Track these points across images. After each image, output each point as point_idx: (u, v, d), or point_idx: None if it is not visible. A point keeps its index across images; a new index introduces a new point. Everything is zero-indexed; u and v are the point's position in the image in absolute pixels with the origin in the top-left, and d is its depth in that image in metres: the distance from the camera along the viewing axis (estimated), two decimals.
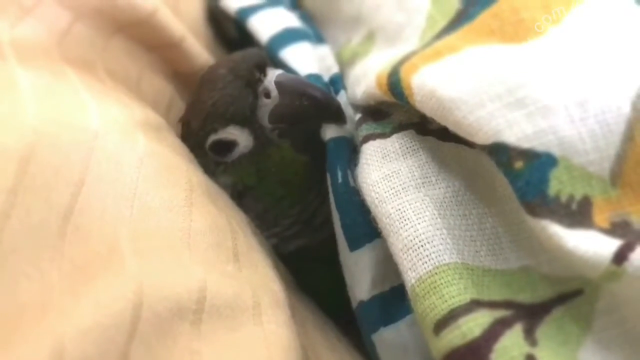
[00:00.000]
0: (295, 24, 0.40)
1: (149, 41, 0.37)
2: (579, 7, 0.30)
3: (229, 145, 0.34)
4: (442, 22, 0.32)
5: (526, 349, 0.24)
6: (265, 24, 0.40)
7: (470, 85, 0.26)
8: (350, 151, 0.33)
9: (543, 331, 0.25)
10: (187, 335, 0.23)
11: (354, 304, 0.33)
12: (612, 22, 0.30)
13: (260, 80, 0.34)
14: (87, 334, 0.20)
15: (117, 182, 0.26)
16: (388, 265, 0.30)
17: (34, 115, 0.25)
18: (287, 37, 0.39)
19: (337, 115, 0.34)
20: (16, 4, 0.31)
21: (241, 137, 0.34)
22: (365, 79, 0.34)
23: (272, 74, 0.34)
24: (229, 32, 0.46)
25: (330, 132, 0.34)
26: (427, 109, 0.28)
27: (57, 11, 0.32)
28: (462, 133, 0.27)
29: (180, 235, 0.27)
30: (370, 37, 0.37)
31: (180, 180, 0.29)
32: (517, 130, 0.25)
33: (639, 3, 0.32)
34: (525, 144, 0.24)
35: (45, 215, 0.22)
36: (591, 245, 0.23)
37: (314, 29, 0.41)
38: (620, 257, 0.22)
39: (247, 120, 0.34)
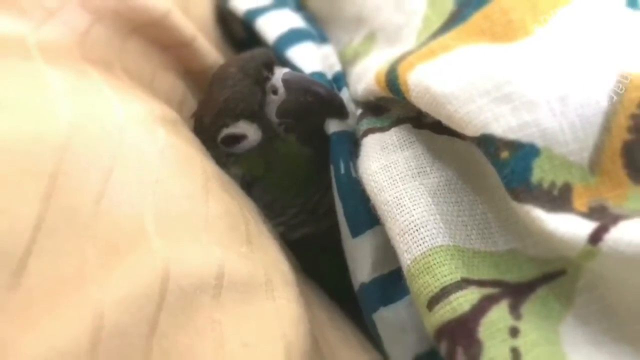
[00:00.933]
0: (300, 25, 0.42)
1: (163, 41, 0.40)
2: (565, 8, 0.32)
3: (239, 138, 0.37)
4: (437, 23, 0.35)
5: (511, 322, 0.26)
6: (272, 25, 0.42)
7: (461, 81, 0.28)
8: (352, 144, 0.36)
9: (527, 307, 0.27)
10: (208, 307, 0.26)
11: (356, 287, 0.35)
12: (596, 22, 0.32)
13: (268, 78, 0.36)
14: (122, 303, 0.23)
15: (141, 170, 0.28)
16: (387, 250, 0.32)
17: (66, 108, 0.27)
18: (293, 37, 0.41)
19: (339, 111, 0.36)
20: (41, 7, 0.33)
21: (250, 131, 0.36)
22: (365, 77, 0.36)
23: (279, 72, 0.36)
24: (237, 31, 0.48)
25: (333, 126, 0.36)
26: (422, 104, 0.30)
27: (78, 13, 0.34)
28: (454, 126, 0.29)
29: (199, 219, 0.29)
30: (371, 37, 0.39)
31: (196, 170, 0.32)
32: (503, 123, 0.27)
33: (631, 5, 0.34)
34: (510, 136, 0.27)
35: (81, 199, 0.25)
36: (570, 227, 0.25)
37: (318, 29, 0.43)
38: (595, 237, 0.24)
39: (256, 115, 0.36)
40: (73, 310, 0.22)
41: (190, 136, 0.36)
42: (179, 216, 0.28)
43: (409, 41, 0.36)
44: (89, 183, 0.25)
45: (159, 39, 0.39)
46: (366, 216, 0.33)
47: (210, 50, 0.43)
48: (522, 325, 0.26)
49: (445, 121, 0.29)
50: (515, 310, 0.26)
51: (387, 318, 0.33)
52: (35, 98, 0.27)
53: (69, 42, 0.33)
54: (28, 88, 0.27)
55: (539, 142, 0.26)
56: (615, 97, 0.27)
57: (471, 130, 0.28)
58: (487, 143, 0.27)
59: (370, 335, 0.35)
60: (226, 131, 0.36)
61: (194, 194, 0.30)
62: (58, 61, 0.31)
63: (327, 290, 0.40)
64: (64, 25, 0.34)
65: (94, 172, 0.26)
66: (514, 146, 0.27)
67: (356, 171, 0.34)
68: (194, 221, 0.29)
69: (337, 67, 0.40)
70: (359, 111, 0.36)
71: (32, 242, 0.22)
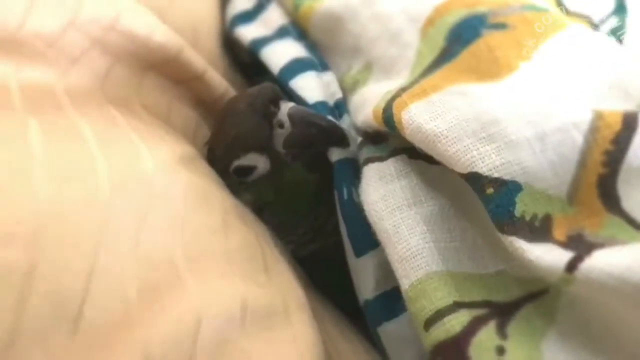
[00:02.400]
0: (302, 54, 0.45)
1: (176, 76, 0.42)
2: (548, 42, 0.35)
3: (250, 168, 0.40)
4: (429, 58, 0.37)
5: (497, 341, 0.29)
6: (276, 56, 0.45)
7: (450, 122, 0.31)
8: (354, 170, 0.38)
9: (513, 326, 0.29)
10: (236, 337, 0.29)
11: (361, 302, 0.38)
12: (576, 56, 0.34)
13: (274, 113, 0.39)
14: (165, 341, 0.26)
15: (170, 211, 0.31)
16: (389, 268, 0.35)
17: (103, 165, 0.30)
18: (296, 67, 0.44)
19: (341, 141, 0.39)
20: (65, 56, 0.35)
21: (259, 162, 0.39)
22: (363, 108, 0.38)
23: (285, 107, 0.39)
24: (243, 57, 0.51)
25: (335, 154, 0.39)
26: (416, 141, 0.33)
27: (98, 57, 0.37)
28: (444, 162, 0.31)
29: (221, 254, 0.32)
30: (368, 67, 0.42)
31: (215, 206, 0.34)
32: (488, 162, 0.30)
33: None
34: (495, 174, 0.29)
35: (122, 247, 0.28)
36: (549, 256, 0.27)
37: (319, 57, 0.45)
38: (571, 266, 0.27)
39: (264, 147, 0.39)
40: (125, 350, 0.25)
41: (208, 171, 0.38)
42: (204, 252, 0.31)
43: (402, 74, 0.38)
44: (128, 231, 0.28)
45: (173, 75, 0.42)
46: (369, 238, 0.36)
47: (220, 81, 0.45)
48: (508, 345, 0.29)
49: (436, 157, 0.32)
50: (501, 330, 0.29)
51: (390, 332, 0.36)
52: (76, 158, 0.30)
53: (91, 85, 0.36)
54: (68, 147, 0.30)
55: (520, 179, 0.29)
56: (590, 135, 0.29)
57: (460, 168, 0.30)
58: (474, 180, 0.30)
59: (376, 344, 0.38)
60: (237, 163, 0.39)
61: (215, 229, 0.33)
62: (85, 107, 0.34)
63: (336, 301, 0.43)
64: (86, 70, 0.36)
65: (131, 221, 0.29)
66: (498, 183, 0.29)
67: (358, 196, 0.37)
68: (217, 256, 0.32)
69: (338, 95, 0.42)
70: (359, 139, 0.39)
71: (86, 292, 0.25)
